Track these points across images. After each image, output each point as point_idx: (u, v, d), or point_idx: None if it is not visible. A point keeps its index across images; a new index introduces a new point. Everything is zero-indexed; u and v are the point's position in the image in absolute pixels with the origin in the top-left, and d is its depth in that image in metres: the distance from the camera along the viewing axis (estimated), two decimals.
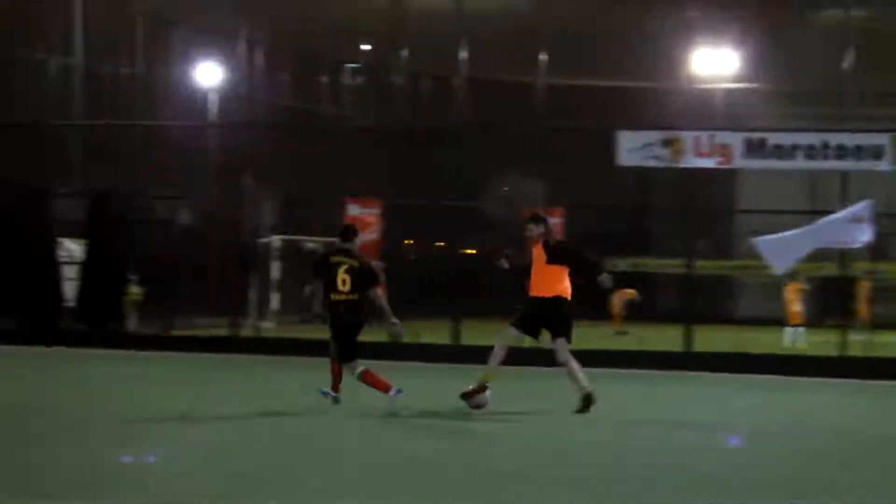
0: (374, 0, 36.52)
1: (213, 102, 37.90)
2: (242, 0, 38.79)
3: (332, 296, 15.41)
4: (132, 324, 31.47)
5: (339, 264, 15.43)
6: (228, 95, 38.75)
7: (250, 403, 16.02)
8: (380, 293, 15.54)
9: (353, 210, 27.53)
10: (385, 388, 15.27)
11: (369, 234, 26.47)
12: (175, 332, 29.18)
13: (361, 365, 15.49)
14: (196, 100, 38.23)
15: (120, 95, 37.33)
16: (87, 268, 31.53)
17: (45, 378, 20.12)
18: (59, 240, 32.29)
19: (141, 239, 33.65)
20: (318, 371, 17.19)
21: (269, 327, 32.73)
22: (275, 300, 34.94)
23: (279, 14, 39.13)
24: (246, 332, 30.07)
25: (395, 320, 15.54)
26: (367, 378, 15.42)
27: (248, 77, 41.10)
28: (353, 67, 48.95)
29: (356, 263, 15.51)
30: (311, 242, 34.98)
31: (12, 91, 33.55)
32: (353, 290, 15.37)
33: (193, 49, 39.51)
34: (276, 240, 35.75)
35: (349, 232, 15.86)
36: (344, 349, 15.50)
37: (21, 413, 14.83)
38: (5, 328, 28.75)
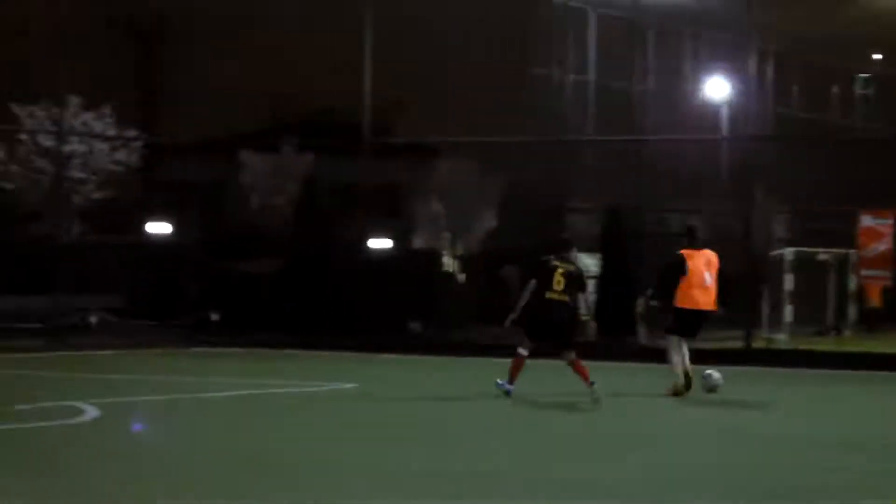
0: (885, 9, 35.63)
1: (723, 115, 38.01)
2: (753, 14, 38.67)
3: (547, 294, 17.57)
4: (643, 336, 31.95)
5: (556, 268, 17.69)
6: (737, 108, 38.76)
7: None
8: (586, 297, 18.21)
9: (866, 221, 26.99)
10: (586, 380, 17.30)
11: (882, 245, 25.86)
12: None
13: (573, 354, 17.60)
14: (705, 113, 38.44)
15: (630, 110, 38.03)
16: (603, 281, 32.30)
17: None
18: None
19: (653, 252, 34.12)
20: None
21: (781, 339, 32.48)
22: (788, 312, 34.61)
23: (790, 26, 38.80)
24: (758, 343, 29.98)
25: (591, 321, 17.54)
26: (576, 367, 17.50)
27: (758, 89, 40.93)
28: (863, 77, 47.93)
29: (572, 268, 17.85)
30: (824, 254, 34.45)
31: (527, 109, 34.85)
32: (565, 291, 17.55)
33: (702, 63, 39.77)
34: (788, 252, 35.41)
35: (568, 245, 18.40)
36: (561, 340, 17.64)
37: None
38: None
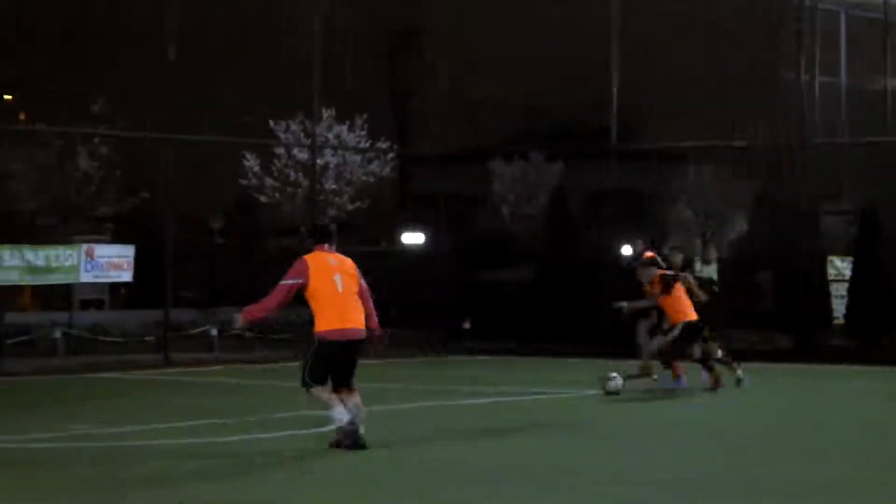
0: None
1: None
2: None
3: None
4: None
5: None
6: None
7: None
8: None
9: None
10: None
11: None
12: None
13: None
14: None
15: (883, 111, 37.00)
16: (856, 285, 31.54)
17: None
18: (829, 258, 32.55)
19: None
20: None
21: None
22: None
23: None
24: None
25: None
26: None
27: None
28: None
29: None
30: None
31: (778, 112, 34.25)
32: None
33: None
34: None
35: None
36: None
37: None
38: (783, 347, 29.62)
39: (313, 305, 13.19)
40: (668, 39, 37.05)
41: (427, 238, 38.15)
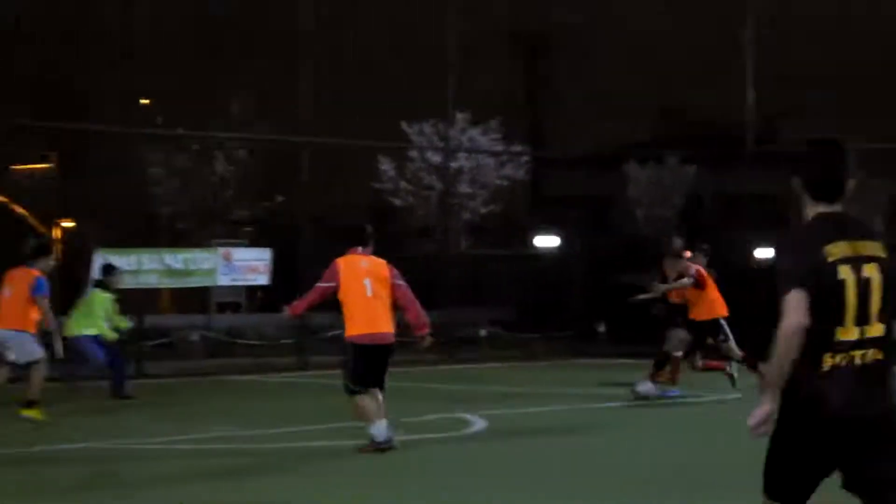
0: None
1: None
2: None
3: None
4: None
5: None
6: None
7: None
8: None
9: None
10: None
11: None
12: None
13: None
14: None
15: None
16: None
17: None
18: None
19: None
20: None
21: None
22: None
23: None
24: None
25: None
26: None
27: None
28: None
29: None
30: None
31: None
32: None
33: None
34: None
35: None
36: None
37: None
38: None
39: (343, 309, 13.43)
40: (809, 37, 36.52)
41: (560, 241, 38.04)
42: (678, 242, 21.48)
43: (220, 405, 19.43)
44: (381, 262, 13.60)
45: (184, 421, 16.68)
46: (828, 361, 5.63)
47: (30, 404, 16.14)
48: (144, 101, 39.36)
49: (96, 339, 19.58)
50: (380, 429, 13.07)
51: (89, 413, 17.76)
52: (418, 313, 13.52)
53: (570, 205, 38.47)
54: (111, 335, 19.76)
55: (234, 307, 33.40)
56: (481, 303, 34.94)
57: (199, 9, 37.85)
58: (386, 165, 35.02)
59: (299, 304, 13.77)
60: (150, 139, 33.92)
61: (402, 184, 35.03)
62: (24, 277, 16.31)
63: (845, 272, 5.69)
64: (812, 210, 5.96)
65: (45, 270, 16.66)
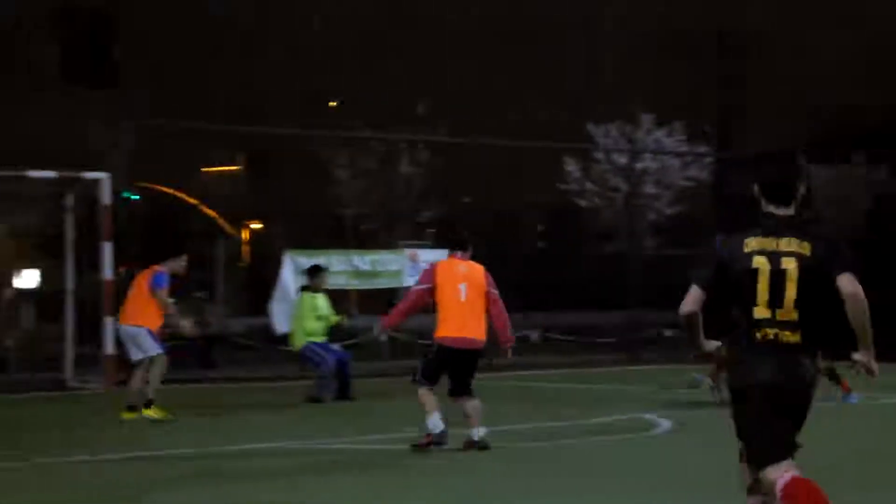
0: None
1: None
2: None
3: None
4: None
5: None
6: None
7: None
8: None
9: None
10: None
11: None
12: None
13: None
14: None
15: None
16: None
17: None
18: None
19: None
20: None
21: None
22: None
23: None
24: None
25: None
26: None
27: None
28: None
29: None
30: None
31: None
32: None
33: None
34: None
35: None
36: None
37: None
38: None
39: (437, 311, 13.48)
40: None
41: None
42: None
43: (409, 406, 19.58)
44: (480, 268, 13.68)
45: (378, 421, 16.87)
46: (755, 336, 6.85)
47: (148, 404, 16.45)
48: (331, 104, 39.98)
49: (321, 345, 19.90)
50: (435, 422, 13.22)
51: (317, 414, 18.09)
52: (506, 325, 13.68)
53: (753, 205, 38.01)
54: (320, 336, 20.05)
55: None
56: (666, 304, 34.72)
57: (390, 10, 38.26)
58: (571, 167, 35.02)
59: (394, 315, 13.89)
60: (337, 141, 34.40)
61: (588, 185, 34.99)
62: (147, 274, 16.70)
63: (759, 262, 6.86)
64: (765, 209, 7.07)
65: (176, 271, 17.01)
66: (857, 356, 7.08)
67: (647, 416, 16.62)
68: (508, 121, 33.33)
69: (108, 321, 22.27)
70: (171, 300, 16.78)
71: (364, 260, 26.43)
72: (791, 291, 6.82)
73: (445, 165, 34.14)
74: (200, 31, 40.58)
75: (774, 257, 6.86)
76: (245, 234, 51.75)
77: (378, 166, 33.92)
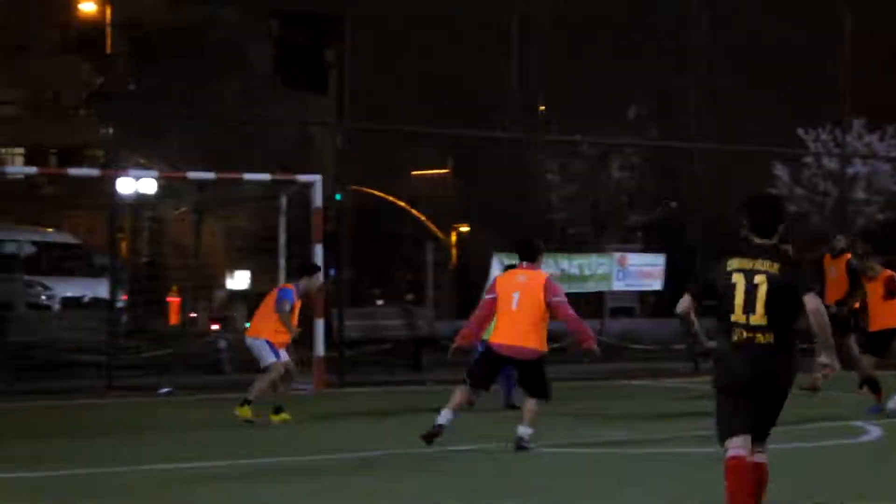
0: None
1: None
2: None
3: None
4: None
5: None
6: None
7: None
8: None
9: None
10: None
11: None
12: None
13: None
14: None
15: None
16: None
17: None
18: None
19: None
20: None
21: None
22: None
23: None
24: None
25: None
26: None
27: None
28: None
29: None
30: None
31: None
32: None
33: None
34: None
35: None
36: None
37: None
38: None
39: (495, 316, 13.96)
40: None
41: None
42: (841, 241, 20.11)
43: (613, 409, 19.69)
44: (540, 279, 13.93)
45: (578, 424, 17.06)
46: (734, 336, 8.65)
47: (245, 402, 16.71)
48: (541, 108, 40.19)
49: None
50: (445, 416, 13.76)
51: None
52: (578, 328, 13.98)
53: None
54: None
55: (628, 312, 33.72)
56: None
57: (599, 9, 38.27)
58: (781, 171, 34.71)
59: (470, 330, 14.26)
60: (547, 145, 34.60)
61: (797, 190, 34.65)
62: (275, 291, 17.24)
63: (737, 278, 8.70)
64: (748, 237, 8.82)
65: (309, 290, 17.51)
66: (821, 359, 8.82)
67: (859, 423, 16.51)
68: (718, 124, 33.07)
69: (319, 323, 22.83)
70: (295, 327, 17.03)
71: (572, 263, 26.60)
72: (761, 301, 8.56)
73: (655, 170, 34.14)
74: (414, 33, 41.17)
75: (749, 274, 8.64)
76: (453, 237, 52.35)
77: (589, 170, 34.05)
